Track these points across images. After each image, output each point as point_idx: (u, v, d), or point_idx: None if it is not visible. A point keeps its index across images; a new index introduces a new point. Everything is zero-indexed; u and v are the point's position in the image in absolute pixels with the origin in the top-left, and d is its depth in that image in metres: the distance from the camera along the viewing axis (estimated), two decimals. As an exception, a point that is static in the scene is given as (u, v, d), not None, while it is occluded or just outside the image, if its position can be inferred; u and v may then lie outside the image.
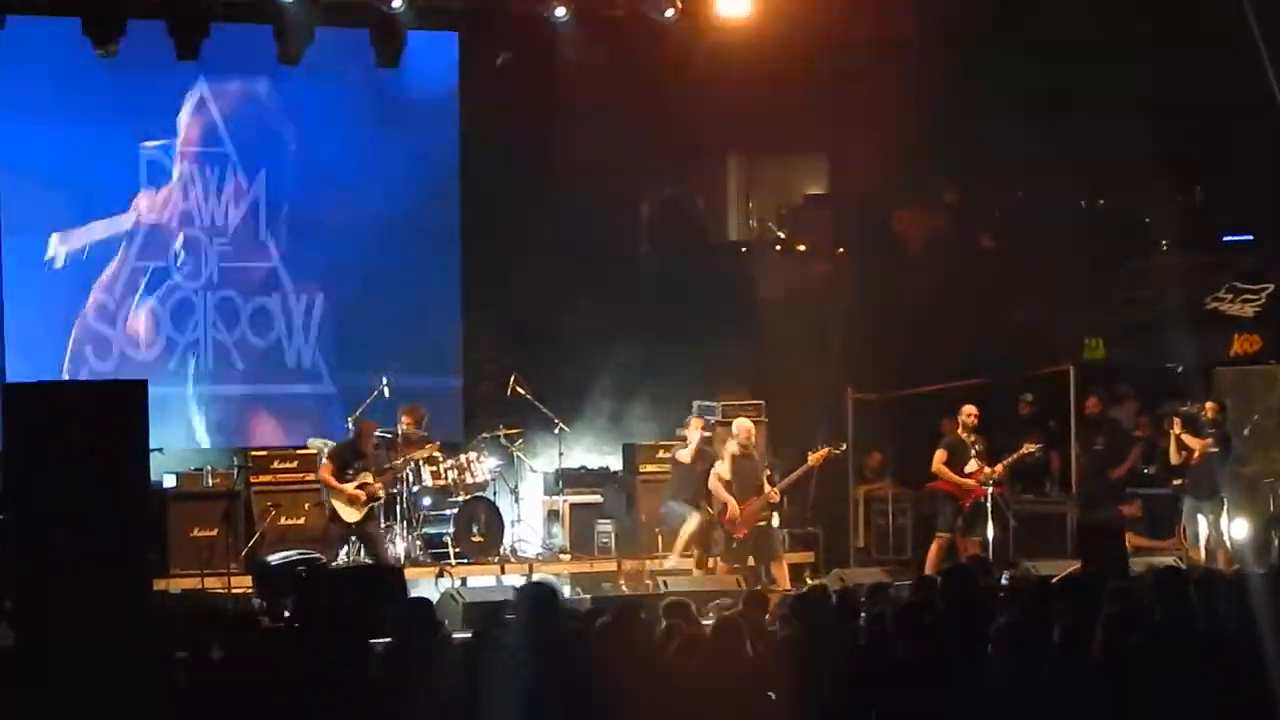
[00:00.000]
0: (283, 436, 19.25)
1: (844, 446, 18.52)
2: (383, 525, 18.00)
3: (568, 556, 18.78)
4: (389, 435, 18.34)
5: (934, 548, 18.04)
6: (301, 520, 17.83)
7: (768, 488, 17.57)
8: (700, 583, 16.84)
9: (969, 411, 18.19)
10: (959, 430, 18.18)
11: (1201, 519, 18.37)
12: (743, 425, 17.81)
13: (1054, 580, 11.58)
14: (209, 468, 18.12)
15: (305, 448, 18.51)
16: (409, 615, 10.31)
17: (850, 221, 21.95)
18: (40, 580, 14.21)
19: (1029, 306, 21.85)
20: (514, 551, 18.38)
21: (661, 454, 18.89)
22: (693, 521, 17.65)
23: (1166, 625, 9.55)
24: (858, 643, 9.90)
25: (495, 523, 18.10)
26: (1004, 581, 12.83)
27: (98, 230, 18.82)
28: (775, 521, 17.75)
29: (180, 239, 19.16)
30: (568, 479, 19.16)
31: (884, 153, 20.41)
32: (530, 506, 19.14)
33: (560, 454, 19.16)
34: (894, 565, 18.86)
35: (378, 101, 19.60)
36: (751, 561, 17.56)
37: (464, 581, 17.35)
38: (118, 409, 14.84)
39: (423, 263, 19.94)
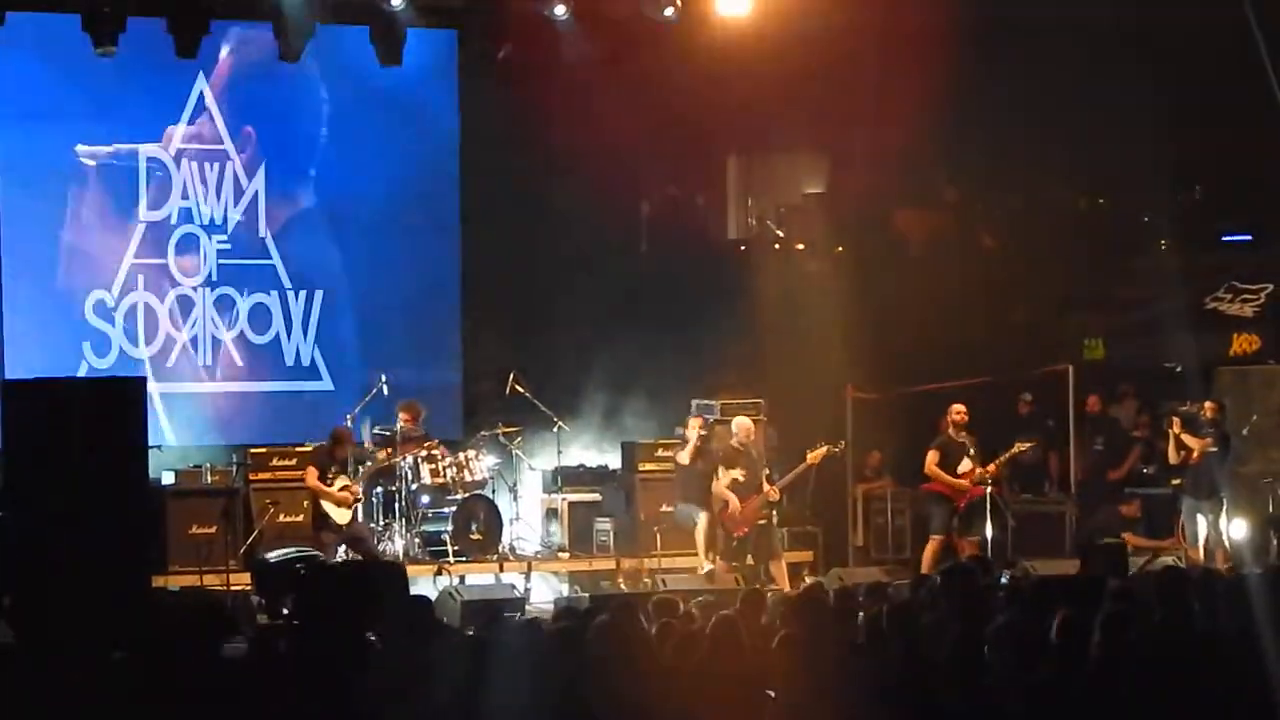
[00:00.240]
0: (281, 434, 19.22)
1: (843, 445, 18.52)
2: (381, 523, 18.01)
3: (566, 555, 18.78)
4: (387, 433, 18.34)
5: (928, 549, 18.04)
6: (300, 517, 17.81)
7: (766, 486, 17.58)
8: (699, 581, 16.84)
9: (957, 409, 18.17)
10: (949, 429, 18.15)
11: (1201, 519, 18.38)
12: (741, 423, 17.81)
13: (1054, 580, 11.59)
14: (208, 465, 18.12)
15: (304, 445, 18.49)
16: (408, 613, 10.32)
17: (850, 221, 21.93)
18: (39, 577, 14.23)
19: (1028, 306, 21.85)
20: (513, 550, 18.38)
21: (661, 452, 18.88)
22: (704, 521, 17.61)
23: (1166, 626, 9.54)
24: (856, 642, 9.89)
25: (494, 521, 18.10)
26: (1003, 581, 12.82)
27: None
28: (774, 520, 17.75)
29: (179, 236, 19.14)
30: (566, 477, 19.16)
31: (884, 152, 20.42)
32: (529, 505, 19.14)
33: (559, 452, 19.16)
34: (892, 564, 18.87)
35: (377, 99, 19.58)
36: (750, 560, 17.57)
37: (462, 579, 17.36)
38: (116, 406, 14.87)
39: (421, 260, 19.93)
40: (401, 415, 18.27)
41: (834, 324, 20.50)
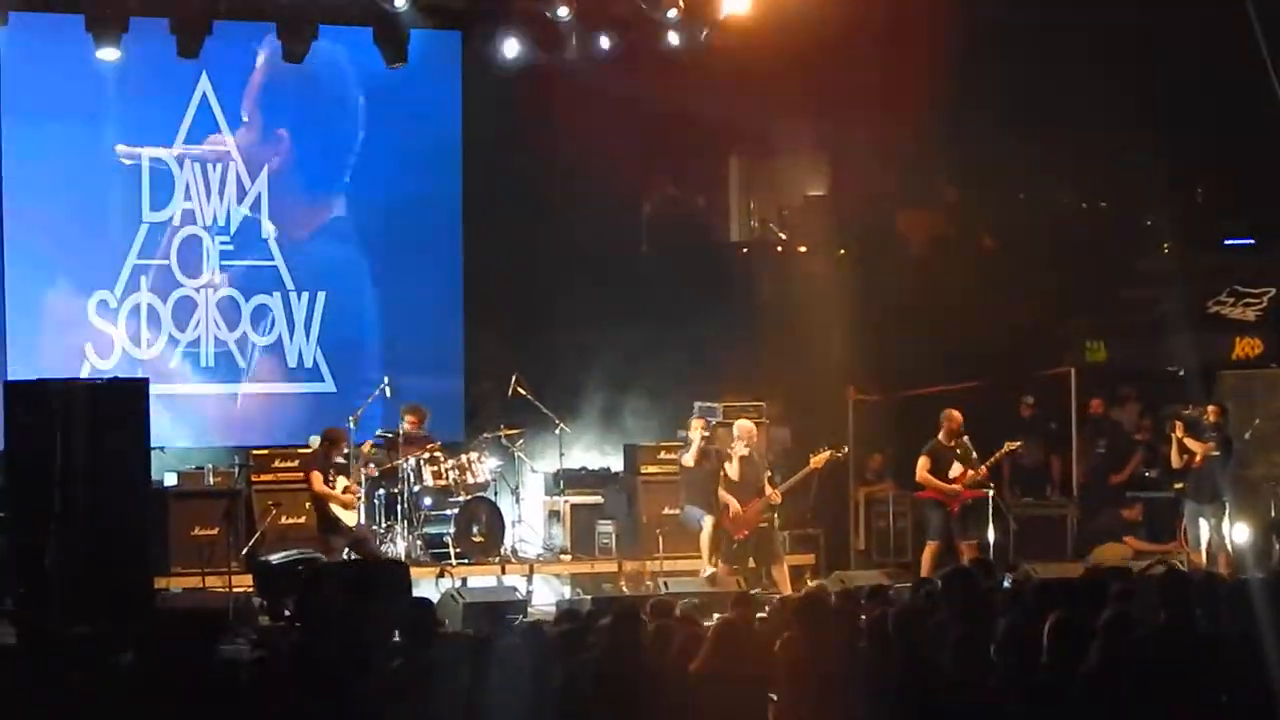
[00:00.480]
0: (284, 436, 19.23)
1: (846, 449, 18.51)
2: (383, 525, 18.01)
3: (568, 557, 18.76)
4: (390, 435, 18.34)
5: (926, 554, 18.01)
6: (302, 519, 17.80)
7: (769, 489, 17.57)
8: (701, 584, 16.83)
9: (951, 416, 18.14)
10: (940, 435, 18.13)
11: (1203, 522, 18.37)
12: (744, 426, 17.80)
13: (1056, 583, 11.58)
14: (210, 466, 18.11)
15: (306, 447, 18.49)
16: (410, 615, 10.32)
17: (851, 222, 21.94)
18: (42, 578, 14.24)
19: (1030, 308, 21.85)
20: (515, 552, 18.37)
21: (663, 455, 18.88)
22: (709, 524, 17.58)
23: (1168, 629, 9.53)
24: (858, 645, 9.88)
25: (496, 523, 18.09)
26: (1006, 584, 12.82)
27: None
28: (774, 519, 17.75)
29: (182, 237, 19.14)
30: (568, 479, 19.15)
31: (885, 153, 20.41)
32: (531, 507, 19.13)
33: (561, 454, 19.15)
34: (894, 567, 18.85)
35: (380, 100, 19.59)
36: (752, 563, 17.56)
37: (464, 581, 17.34)
38: (119, 407, 14.88)
39: (424, 262, 19.93)
40: (407, 417, 18.27)
41: (836, 326, 20.51)
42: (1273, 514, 18.96)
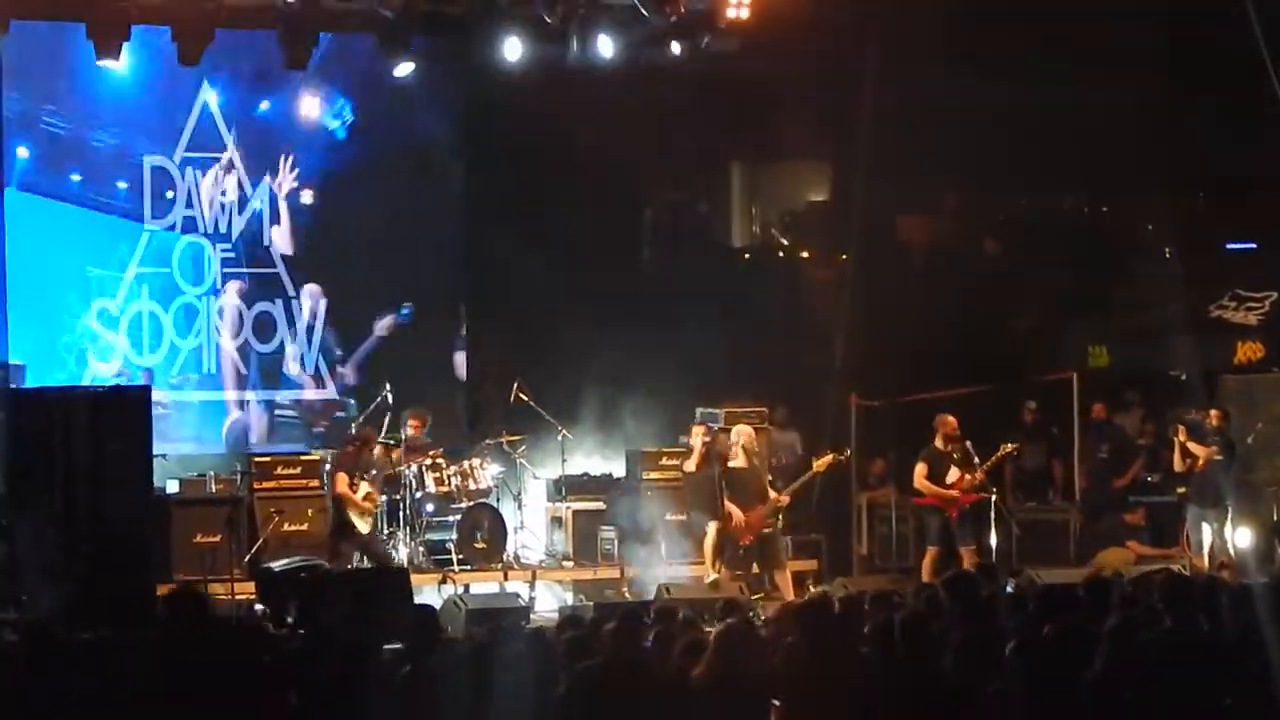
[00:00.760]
0: (286, 443, 19.24)
1: (848, 452, 18.50)
2: (386, 531, 18.01)
3: (570, 563, 18.76)
4: (392, 441, 18.34)
5: (926, 560, 18.01)
6: (305, 526, 17.81)
7: (773, 493, 17.54)
8: (704, 590, 16.82)
9: (948, 421, 18.13)
10: (936, 440, 18.12)
11: (1206, 527, 18.37)
12: (743, 431, 17.79)
13: (1059, 588, 11.56)
14: (212, 473, 18.09)
15: (308, 454, 18.51)
16: (413, 622, 10.32)
17: (853, 228, 21.95)
18: (45, 585, 14.23)
19: (1032, 313, 21.85)
20: (517, 558, 18.37)
21: (665, 461, 18.87)
22: (713, 530, 17.56)
23: (1172, 633, 9.53)
24: (861, 651, 9.87)
25: (498, 529, 18.08)
26: (1009, 589, 12.81)
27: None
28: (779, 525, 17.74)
29: (183, 244, 19.16)
30: (571, 485, 19.14)
31: (886, 159, 20.42)
32: (533, 513, 19.13)
33: (563, 460, 19.15)
34: (897, 573, 18.84)
35: (381, 106, 19.61)
36: (756, 569, 17.55)
37: (467, 588, 17.33)
38: (121, 414, 14.88)
39: (425, 268, 19.96)
40: (411, 421, 18.27)
41: (838, 331, 20.54)
42: (1275, 518, 18.95)
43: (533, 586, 17.89)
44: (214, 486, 17.92)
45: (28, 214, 18.31)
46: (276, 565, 16.47)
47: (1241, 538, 18.38)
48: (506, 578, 17.92)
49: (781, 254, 23.20)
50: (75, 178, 18.73)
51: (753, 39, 18.80)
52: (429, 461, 18.04)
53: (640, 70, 19.02)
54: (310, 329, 19.56)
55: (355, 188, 19.59)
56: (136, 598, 14.35)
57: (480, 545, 17.93)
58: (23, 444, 14.80)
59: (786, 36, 18.86)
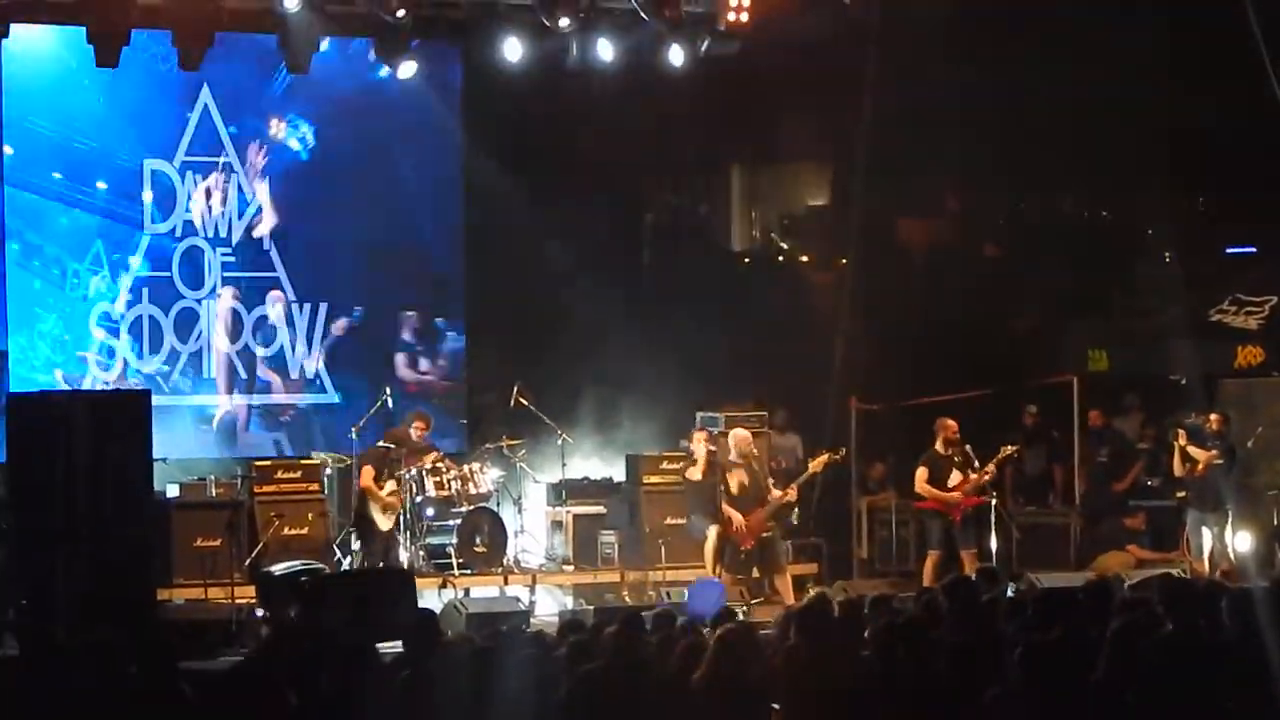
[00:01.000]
0: (286, 446, 19.25)
1: (843, 452, 18.46)
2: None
3: (571, 567, 18.76)
4: (389, 446, 18.33)
5: (927, 564, 18.00)
6: (305, 530, 17.82)
7: (776, 493, 17.49)
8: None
9: (948, 425, 18.13)
10: (937, 444, 18.12)
11: (1206, 531, 18.37)
12: (740, 435, 17.78)
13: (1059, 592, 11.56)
14: (212, 477, 18.09)
15: (309, 458, 18.52)
16: (414, 626, 10.32)
17: (853, 232, 21.96)
18: (45, 590, 14.23)
19: (1032, 317, 21.86)
20: (517, 562, 18.36)
21: (665, 465, 18.87)
22: (714, 535, 17.55)
23: (1174, 637, 9.52)
24: (861, 655, 9.88)
25: (498, 533, 18.08)
26: (1009, 594, 12.81)
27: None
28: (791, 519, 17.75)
29: (183, 248, 19.16)
30: (571, 490, 19.14)
31: (886, 163, 20.43)
32: (533, 517, 19.12)
33: (563, 464, 19.15)
34: (897, 577, 18.84)
35: (381, 110, 19.62)
36: (756, 573, 17.54)
37: (467, 592, 17.34)
38: (121, 419, 14.88)
39: (425, 272, 19.97)
40: (415, 424, 18.27)
41: (838, 335, 20.54)
42: (1275, 522, 18.95)
43: (533, 591, 17.90)
44: (214, 490, 17.92)
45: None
46: (277, 569, 16.47)
47: (1242, 542, 18.38)
48: (507, 582, 17.92)
49: (781, 257, 23.22)
50: (56, 175, 18.69)
51: (752, 42, 18.81)
52: (429, 465, 18.03)
53: (640, 73, 19.02)
54: (311, 334, 19.56)
55: (358, 195, 19.59)
56: (136, 602, 14.36)
57: (480, 549, 17.92)
58: (23, 447, 14.79)
59: (786, 39, 18.88)
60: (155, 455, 15.77)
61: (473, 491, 18.13)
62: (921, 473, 18.03)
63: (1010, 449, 18.48)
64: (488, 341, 20.07)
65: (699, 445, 17.88)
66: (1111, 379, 21.60)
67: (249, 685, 8.99)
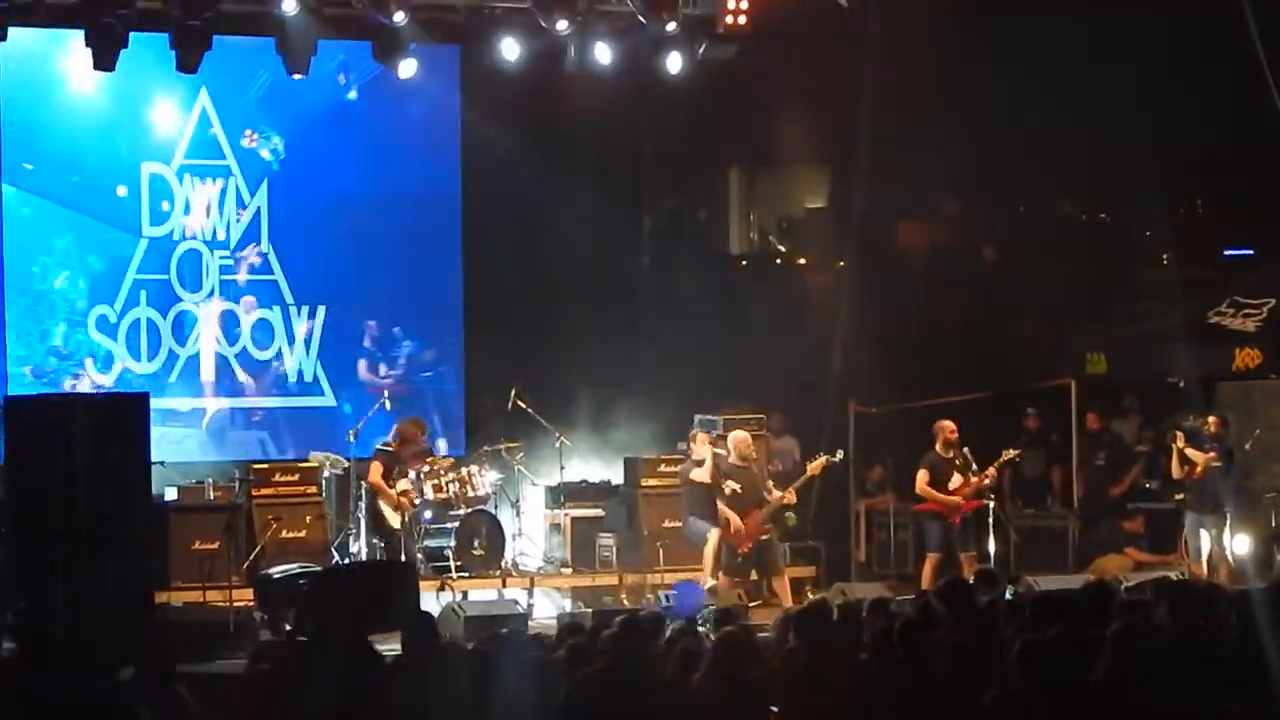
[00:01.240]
0: (284, 450, 19.24)
1: (840, 454, 18.45)
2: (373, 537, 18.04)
3: (569, 570, 18.77)
4: (389, 449, 18.34)
5: (926, 566, 18.00)
6: (303, 533, 17.84)
7: (776, 494, 17.47)
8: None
9: (947, 427, 18.13)
10: (937, 446, 18.12)
11: (1204, 534, 18.36)
12: (740, 437, 17.76)
13: (1056, 595, 11.56)
14: (210, 481, 18.10)
15: (306, 461, 18.51)
16: (411, 629, 10.32)
17: (851, 234, 21.95)
18: (43, 593, 14.22)
19: (1030, 320, 21.85)
20: (515, 565, 18.36)
21: (663, 467, 18.87)
22: (714, 537, 17.52)
23: (1173, 639, 9.53)
24: (859, 657, 9.88)
25: (496, 536, 18.08)
26: (1007, 596, 12.82)
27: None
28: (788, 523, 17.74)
29: (181, 251, 19.16)
30: (569, 492, 19.14)
31: (885, 165, 20.42)
32: (531, 520, 19.12)
33: (561, 467, 19.15)
34: (895, 580, 18.83)
35: (379, 114, 19.62)
36: (754, 576, 17.53)
37: (465, 595, 17.34)
38: (119, 422, 14.86)
39: (423, 276, 19.96)
40: (415, 428, 18.28)
41: (836, 338, 20.52)
42: (1273, 524, 18.96)
43: (531, 593, 17.89)
44: (212, 493, 17.94)
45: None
46: (275, 572, 16.49)
47: (1240, 544, 18.38)
48: (505, 585, 17.93)
49: (779, 260, 23.21)
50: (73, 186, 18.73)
51: (750, 45, 18.81)
52: (426, 468, 18.04)
53: (638, 76, 19.01)
54: (308, 337, 19.55)
55: (356, 198, 19.59)
56: (134, 605, 14.34)
57: (478, 552, 17.92)
58: (22, 449, 14.78)
59: (784, 42, 18.88)
60: (153, 458, 15.75)
61: (470, 494, 18.13)
62: (922, 475, 18.04)
63: (1012, 453, 18.49)
64: (486, 344, 20.06)
65: (703, 448, 17.85)
66: (1110, 382, 21.58)
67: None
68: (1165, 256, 22.10)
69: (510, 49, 18.65)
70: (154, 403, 17.52)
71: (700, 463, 17.71)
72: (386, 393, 18.79)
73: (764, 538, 17.46)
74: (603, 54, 18.77)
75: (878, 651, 9.69)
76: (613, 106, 19.24)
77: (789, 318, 20.96)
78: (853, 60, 19.72)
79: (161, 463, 16.92)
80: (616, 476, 19.42)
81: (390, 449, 17.82)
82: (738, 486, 17.44)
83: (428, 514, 18.00)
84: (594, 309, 20.05)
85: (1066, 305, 21.86)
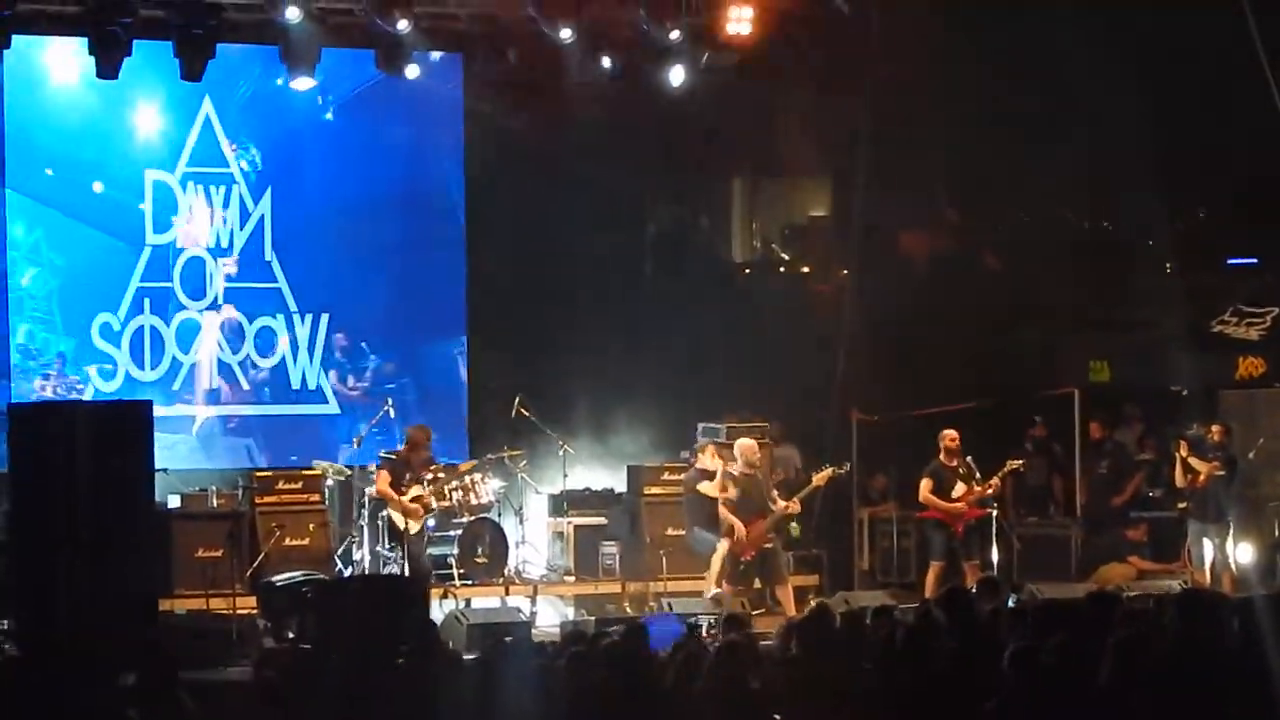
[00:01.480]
0: (287, 457, 19.24)
1: (847, 466, 18.48)
2: (388, 545, 18.00)
3: (572, 578, 18.76)
4: (393, 455, 18.34)
5: (930, 575, 17.98)
6: (306, 541, 17.82)
7: (781, 503, 17.46)
8: (705, 605, 16.79)
9: (949, 436, 18.13)
10: (940, 455, 18.11)
11: (1207, 542, 18.36)
12: (746, 444, 17.74)
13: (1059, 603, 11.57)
14: (213, 488, 18.10)
15: (310, 468, 18.50)
16: (415, 637, 10.33)
17: (853, 242, 21.95)
18: (46, 600, 14.23)
19: (1033, 328, 21.84)
20: (518, 573, 18.37)
21: (666, 475, 18.87)
22: (723, 548, 17.49)
23: (1177, 647, 9.53)
24: (863, 664, 9.88)
25: (500, 544, 18.09)
26: (1010, 604, 12.81)
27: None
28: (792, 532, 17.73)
29: (185, 259, 19.17)
30: (572, 500, 19.14)
31: (887, 174, 20.43)
32: (535, 528, 19.13)
33: (564, 475, 19.16)
34: (898, 588, 18.83)
35: (383, 122, 19.63)
36: (757, 584, 17.52)
37: (468, 603, 17.34)
38: (122, 429, 14.88)
39: (427, 283, 19.98)
40: (421, 436, 18.26)
41: (838, 346, 20.53)
42: (1277, 533, 18.95)
43: (534, 601, 17.90)
44: (215, 501, 17.93)
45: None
46: (278, 579, 16.49)
47: (1243, 553, 18.38)
48: (508, 592, 17.93)
49: (782, 268, 23.20)
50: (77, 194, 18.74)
51: (753, 53, 18.81)
52: (430, 476, 18.03)
53: (641, 85, 19.02)
54: (312, 344, 19.56)
55: (359, 205, 19.60)
56: (137, 613, 14.36)
57: (481, 560, 17.93)
58: (25, 457, 14.79)
59: (787, 51, 18.88)
60: (156, 466, 15.76)
61: (474, 502, 18.12)
62: (926, 483, 18.04)
63: (1016, 463, 18.49)
64: (489, 352, 20.07)
65: (711, 459, 17.82)
66: (1113, 390, 21.56)
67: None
68: (1168, 265, 22.10)
69: (514, 58, 18.65)
70: (164, 410, 17.76)
71: (707, 474, 17.71)
72: (390, 400, 18.78)
73: (768, 546, 17.44)
74: (605, 63, 18.76)
75: (880, 659, 9.69)
76: (615, 114, 19.24)
77: (792, 326, 20.95)
78: (854, 69, 19.73)
79: (164, 470, 16.92)
80: (619, 484, 19.43)
81: (398, 456, 17.80)
82: (747, 490, 17.41)
83: (431, 522, 18.00)
84: (597, 317, 20.06)
85: (1069, 314, 21.86)
